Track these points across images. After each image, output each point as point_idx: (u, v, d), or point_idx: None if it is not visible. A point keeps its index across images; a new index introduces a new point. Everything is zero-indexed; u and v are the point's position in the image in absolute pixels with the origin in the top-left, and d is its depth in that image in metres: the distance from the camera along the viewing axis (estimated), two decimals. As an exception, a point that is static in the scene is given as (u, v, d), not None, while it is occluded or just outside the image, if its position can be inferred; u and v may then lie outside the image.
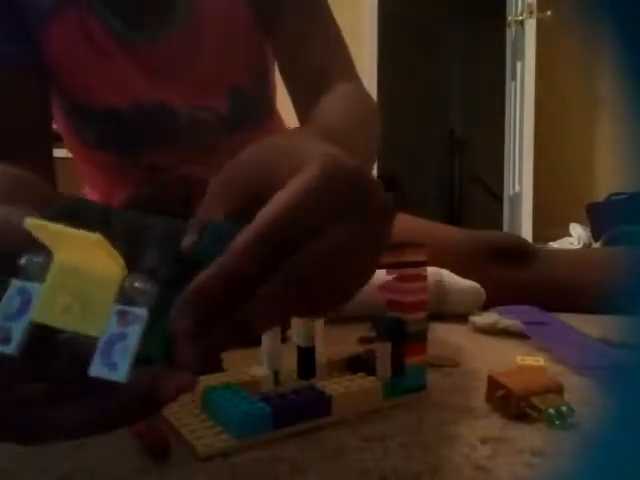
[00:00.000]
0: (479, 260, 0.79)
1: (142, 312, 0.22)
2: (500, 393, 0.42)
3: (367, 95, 0.66)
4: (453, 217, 4.16)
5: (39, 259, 0.23)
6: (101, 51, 0.66)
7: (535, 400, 0.41)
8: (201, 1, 0.68)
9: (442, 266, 0.77)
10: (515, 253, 0.82)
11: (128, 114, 0.69)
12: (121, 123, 0.70)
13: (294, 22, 0.69)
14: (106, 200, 0.83)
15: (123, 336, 0.22)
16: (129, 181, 0.78)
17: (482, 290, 0.77)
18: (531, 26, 2.71)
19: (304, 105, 0.66)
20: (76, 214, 0.26)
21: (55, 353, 0.23)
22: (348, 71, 0.69)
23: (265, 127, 0.76)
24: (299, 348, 0.45)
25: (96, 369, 0.21)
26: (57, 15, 0.64)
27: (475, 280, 0.78)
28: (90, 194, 0.84)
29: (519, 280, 0.80)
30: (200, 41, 0.69)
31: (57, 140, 0.74)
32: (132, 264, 0.23)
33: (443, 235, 0.83)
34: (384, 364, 0.44)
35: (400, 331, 0.44)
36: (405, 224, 0.88)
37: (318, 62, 0.67)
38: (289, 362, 0.45)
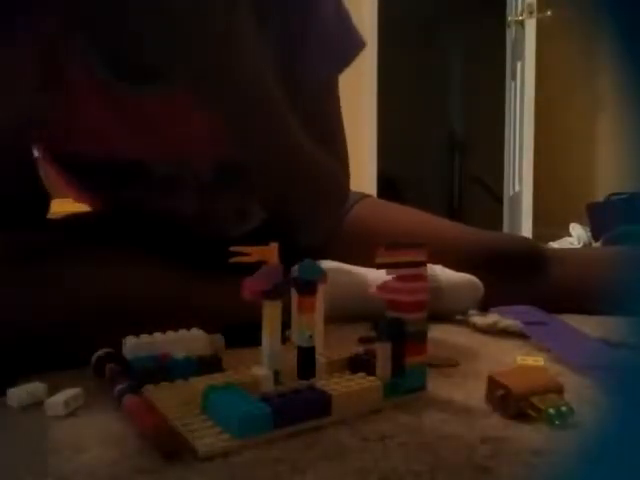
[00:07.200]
0: (487, 269, 0.77)
1: None
2: (500, 393, 0.42)
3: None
4: (453, 217, 4.14)
5: None
6: (81, 97, 0.62)
7: (535, 400, 0.41)
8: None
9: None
10: (525, 261, 0.80)
11: (96, 161, 0.66)
12: (89, 167, 0.68)
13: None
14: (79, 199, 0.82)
15: None
16: (102, 203, 0.77)
17: (479, 284, 0.74)
18: (531, 26, 2.70)
19: None
20: None
21: None
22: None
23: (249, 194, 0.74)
24: (299, 348, 0.45)
25: None
26: None
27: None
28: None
29: (529, 290, 0.77)
30: (190, 108, 0.63)
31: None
32: None
33: (450, 238, 0.82)
34: (384, 364, 0.44)
35: (400, 331, 0.44)
36: (411, 222, 0.87)
37: None
38: (289, 362, 0.45)
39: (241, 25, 0.56)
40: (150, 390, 0.44)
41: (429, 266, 0.65)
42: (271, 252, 0.44)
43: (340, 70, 0.71)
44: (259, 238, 0.47)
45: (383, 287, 0.45)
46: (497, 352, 0.60)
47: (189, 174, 0.69)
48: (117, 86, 0.62)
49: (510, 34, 2.91)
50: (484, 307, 0.75)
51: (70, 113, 0.63)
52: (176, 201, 0.71)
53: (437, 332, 0.66)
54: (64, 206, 0.83)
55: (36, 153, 0.72)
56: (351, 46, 0.71)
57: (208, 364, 0.49)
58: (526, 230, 2.67)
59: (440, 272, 0.75)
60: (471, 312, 0.74)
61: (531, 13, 2.71)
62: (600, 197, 2.31)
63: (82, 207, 0.83)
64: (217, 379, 0.44)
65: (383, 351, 0.44)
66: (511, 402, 0.41)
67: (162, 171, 0.68)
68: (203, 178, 0.70)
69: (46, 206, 0.71)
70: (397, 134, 3.59)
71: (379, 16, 2.61)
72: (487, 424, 0.41)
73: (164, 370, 0.47)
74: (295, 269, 0.45)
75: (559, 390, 0.42)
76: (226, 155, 0.68)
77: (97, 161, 0.66)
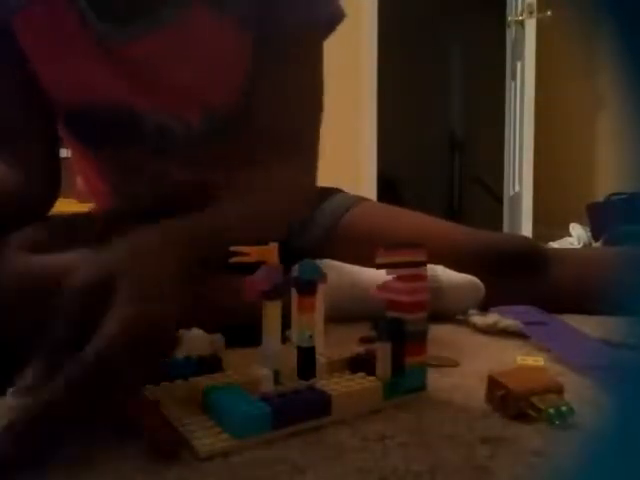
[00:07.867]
0: (487, 269, 0.77)
1: None
2: (500, 393, 0.42)
3: (294, 183, 0.66)
4: (453, 217, 4.14)
5: None
6: (71, 47, 0.65)
7: (535, 400, 0.41)
8: (191, 13, 0.66)
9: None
10: (525, 261, 0.80)
11: (90, 112, 0.68)
12: (83, 119, 0.69)
13: (274, 71, 0.67)
14: (91, 191, 0.83)
15: None
16: (105, 174, 0.78)
17: (480, 284, 0.75)
18: (531, 26, 2.71)
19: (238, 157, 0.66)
20: None
21: None
22: (298, 142, 0.69)
23: (244, 140, 0.72)
24: (299, 348, 0.45)
25: None
26: (22, 11, 0.63)
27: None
28: (81, 184, 0.84)
29: (529, 290, 0.77)
30: (180, 52, 0.67)
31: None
32: None
33: (450, 239, 0.82)
34: (384, 364, 0.44)
35: (400, 331, 0.44)
36: (411, 224, 0.87)
37: (270, 122, 0.67)
38: (289, 362, 0.45)
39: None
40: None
41: (431, 266, 0.65)
42: (271, 252, 0.44)
43: (317, 29, 0.70)
44: None
45: (383, 287, 0.45)
46: (497, 352, 0.60)
47: (179, 124, 0.70)
48: (102, 30, 0.65)
49: (510, 34, 2.91)
50: (484, 307, 0.75)
51: (61, 63, 0.66)
52: (170, 166, 0.72)
53: (437, 332, 0.66)
54: (65, 206, 0.83)
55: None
56: (332, 10, 0.71)
57: (208, 364, 0.48)
58: (526, 230, 2.67)
59: (441, 272, 0.75)
60: (471, 312, 0.74)
61: (531, 13, 2.71)
62: (600, 197, 2.31)
63: (83, 207, 0.83)
64: (217, 379, 0.44)
65: (383, 351, 0.44)
66: (511, 402, 0.41)
67: (153, 122, 0.70)
68: (193, 131, 0.71)
69: (50, 204, 0.72)
70: (397, 134, 3.59)
71: (379, 16, 2.61)
72: (487, 424, 0.41)
73: (164, 370, 0.47)
74: (295, 269, 0.45)
75: (559, 390, 0.42)
76: (214, 106, 0.70)
77: (87, 109, 0.68)
